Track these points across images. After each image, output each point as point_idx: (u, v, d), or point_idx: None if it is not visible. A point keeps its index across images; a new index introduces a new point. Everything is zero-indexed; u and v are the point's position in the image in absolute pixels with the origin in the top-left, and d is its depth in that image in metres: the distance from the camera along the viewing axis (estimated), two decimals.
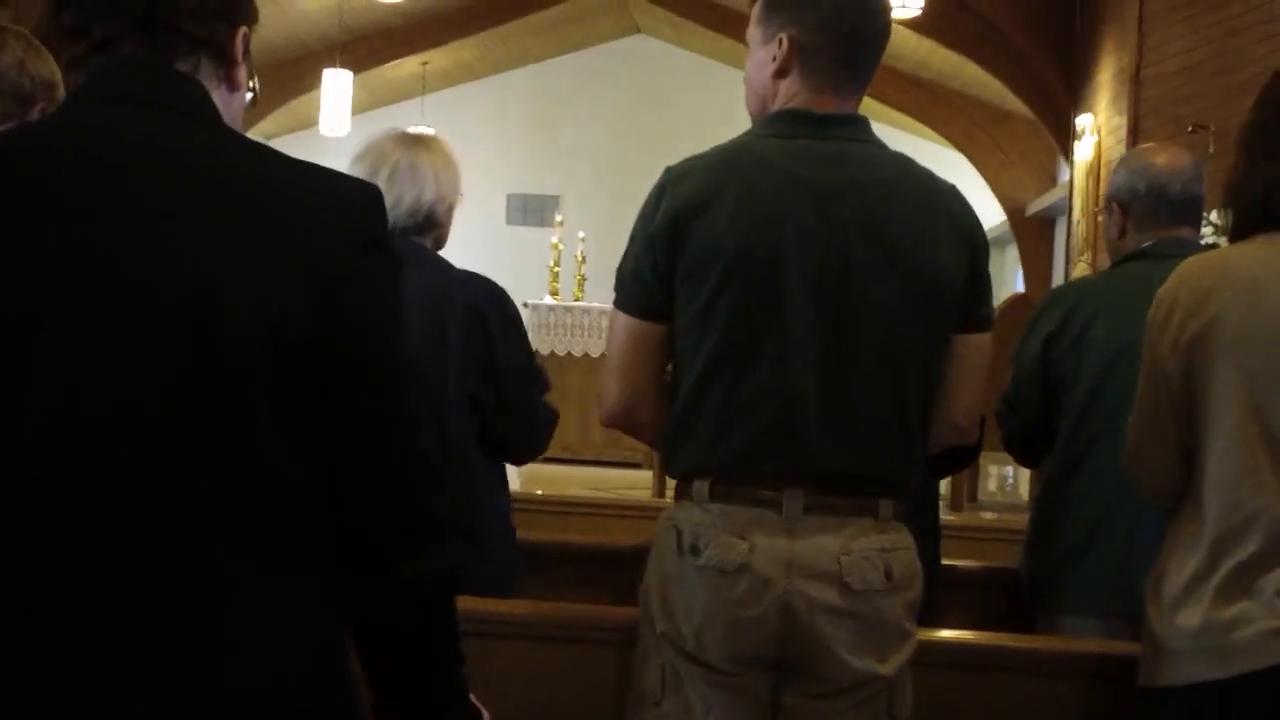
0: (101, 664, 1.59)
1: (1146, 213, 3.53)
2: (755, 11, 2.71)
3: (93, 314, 1.60)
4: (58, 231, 1.62)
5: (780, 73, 2.66)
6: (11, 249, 1.61)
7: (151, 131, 1.69)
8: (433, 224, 3.51)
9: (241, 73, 1.86)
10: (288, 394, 1.64)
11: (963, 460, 3.50)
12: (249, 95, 1.92)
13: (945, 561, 3.68)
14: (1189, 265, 2.64)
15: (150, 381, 1.60)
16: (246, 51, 1.87)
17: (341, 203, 1.71)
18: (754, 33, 2.71)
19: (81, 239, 1.62)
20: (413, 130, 3.67)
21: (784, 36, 2.64)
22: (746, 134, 2.70)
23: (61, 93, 3.05)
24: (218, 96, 1.80)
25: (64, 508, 1.60)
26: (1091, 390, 3.41)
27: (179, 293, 1.60)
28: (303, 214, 1.67)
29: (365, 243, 1.71)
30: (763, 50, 2.68)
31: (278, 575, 1.67)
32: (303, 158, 1.82)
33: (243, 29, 1.84)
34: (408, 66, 18.82)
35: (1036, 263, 16.02)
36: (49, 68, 3.04)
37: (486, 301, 3.48)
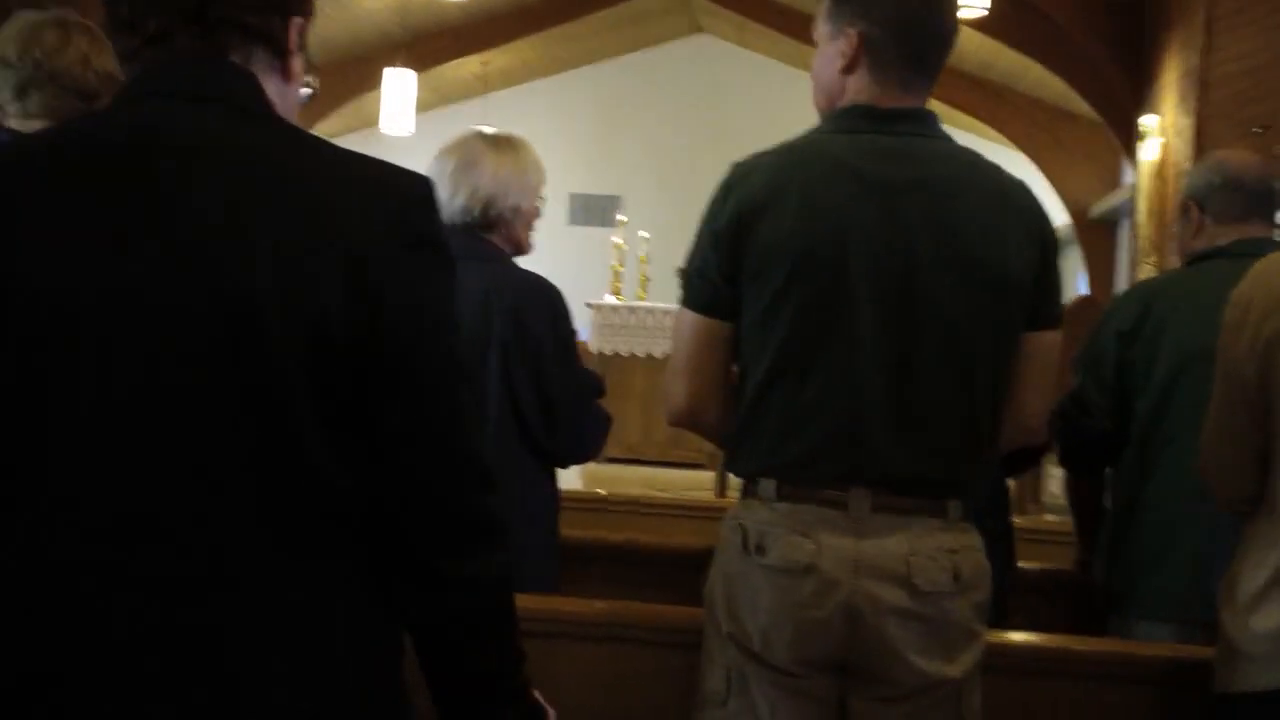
0: (145, 684, 1.58)
1: (1223, 205, 3.52)
2: (823, 7, 2.70)
3: (133, 313, 1.60)
4: (102, 229, 1.62)
5: (848, 68, 2.64)
6: (55, 246, 1.61)
7: (201, 127, 1.68)
8: (494, 222, 3.49)
9: (297, 63, 1.85)
10: (335, 393, 1.63)
11: (1031, 459, 3.48)
12: (306, 90, 1.92)
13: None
14: (1264, 265, 2.61)
15: (191, 383, 1.60)
16: (303, 43, 1.87)
17: (390, 198, 1.70)
18: (821, 28, 2.69)
19: (125, 237, 1.61)
20: (493, 131, 3.66)
21: (852, 31, 2.63)
22: (813, 130, 2.68)
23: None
24: (272, 88, 1.80)
25: (106, 513, 1.59)
26: (1165, 390, 3.39)
27: (221, 292, 1.60)
28: (350, 210, 1.65)
29: (414, 239, 1.69)
30: (830, 46, 2.67)
31: (326, 583, 1.66)
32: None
33: (297, 20, 1.84)
34: (469, 66, 18.88)
35: (1100, 265, 15.93)
36: (112, 64, 3.03)
37: (534, 300, 3.46)
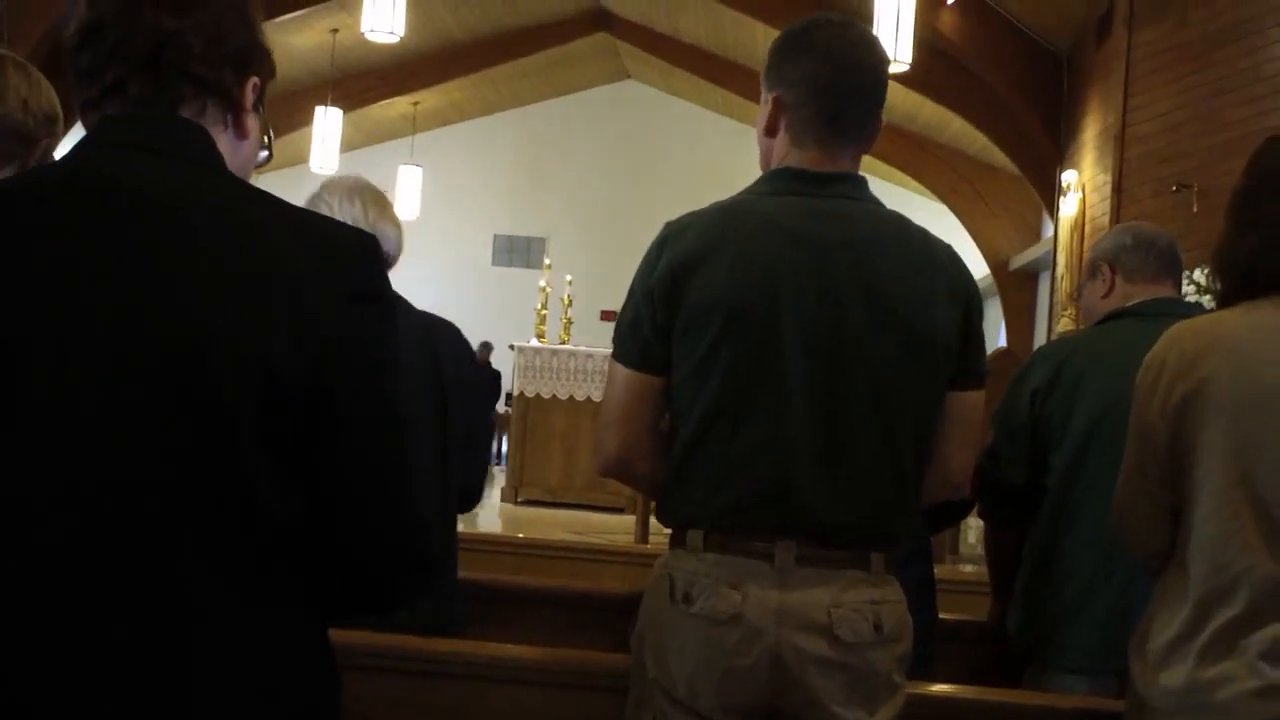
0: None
1: (1135, 265, 3.65)
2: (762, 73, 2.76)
3: (82, 356, 1.62)
4: (53, 275, 1.64)
5: (769, 131, 2.71)
6: (6, 292, 1.64)
7: (153, 177, 1.71)
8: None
9: (250, 121, 1.89)
10: (278, 441, 1.66)
11: (956, 515, 3.54)
12: (264, 152, 1.96)
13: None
14: (1178, 330, 2.68)
15: (133, 430, 1.62)
16: (259, 102, 1.90)
17: (333, 252, 1.73)
18: (761, 95, 2.76)
19: (75, 283, 1.64)
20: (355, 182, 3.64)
21: (771, 97, 2.70)
22: (745, 191, 2.73)
23: (60, 124, 3.01)
24: (224, 143, 1.83)
25: (45, 556, 1.61)
26: (1081, 446, 3.45)
27: (168, 338, 1.63)
28: (295, 264, 1.68)
29: (356, 292, 1.72)
30: (761, 109, 2.74)
31: (271, 617, 1.70)
32: (293, 194, 1.86)
33: (254, 79, 1.88)
34: (398, 106, 18.88)
35: (1019, 317, 16.11)
36: (49, 99, 2.97)
37: (444, 338, 3.52)
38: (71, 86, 1.84)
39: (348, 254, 1.74)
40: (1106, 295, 3.69)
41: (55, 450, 1.62)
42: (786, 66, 2.69)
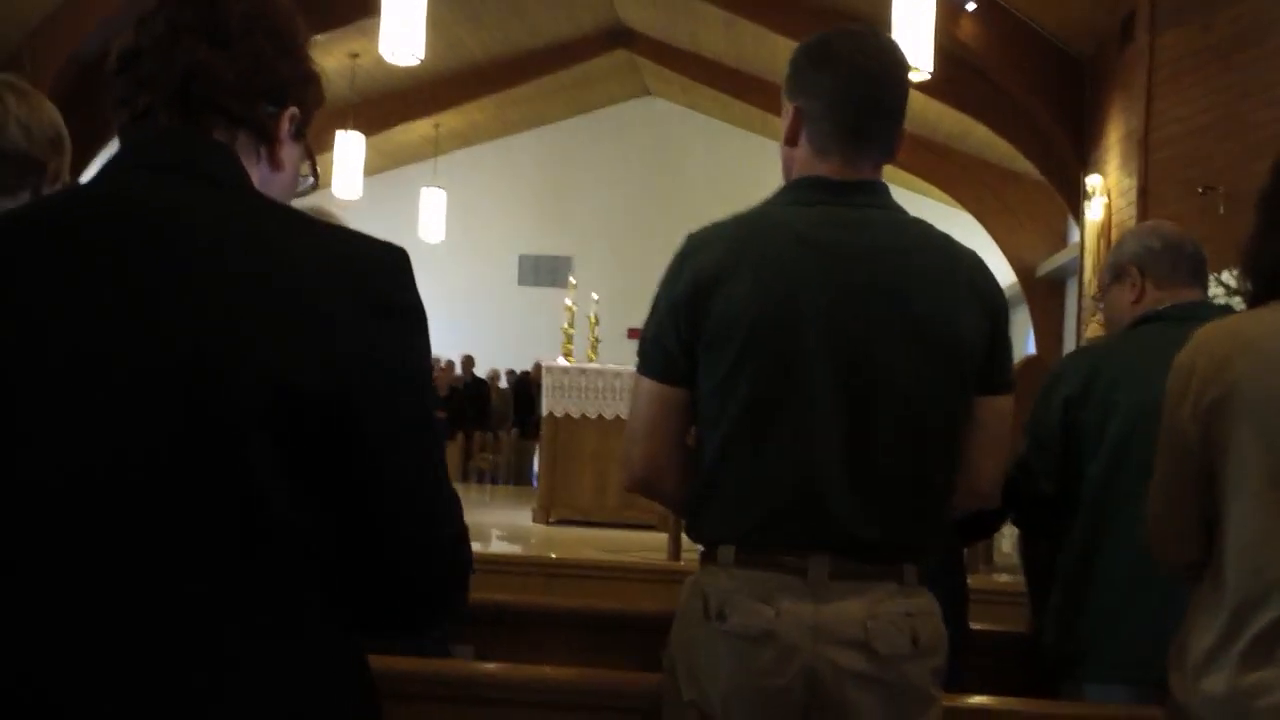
0: None
1: (1165, 270, 3.62)
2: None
3: (101, 377, 1.62)
4: (74, 296, 1.64)
5: (790, 140, 2.71)
6: (26, 313, 1.64)
7: (176, 198, 1.71)
8: None
9: (286, 152, 1.88)
10: (305, 458, 1.64)
11: (990, 526, 3.51)
12: (309, 179, 1.95)
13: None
14: (1206, 332, 2.66)
15: (146, 446, 1.61)
16: (299, 133, 1.90)
17: (356, 267, 1.71)
18: (782, 105, 2.75)
19: (96, 303, 1.64)
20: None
21: (792, 107, 2.69)
22: (767, 202, 2.73)
23: (67, 141, 2.96)
24: (257, 172, 1.83)
25: (61, 580, 1.60)
26: (1117, 454, 3.42)
27: (189, 356, 1.61)
28: (317, 281, 1.67)
29: (381, 307, 1.71)
30: (783, 120, 2.73)
31: (300, 642, 1.68)
32: None
33: (292, 110, 1.87)
34: (419, 129, 18.94)
35: (1047, 323, 16.07)
36: (50, 120, 2.95)
37: None
38: (110, 111, 1.84)
39: (372, 268, 1.73)
40: (1137, 300, 3.66)
41: (70, 477, 1.60)
42: (807, 76, 2.68)
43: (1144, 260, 3.65)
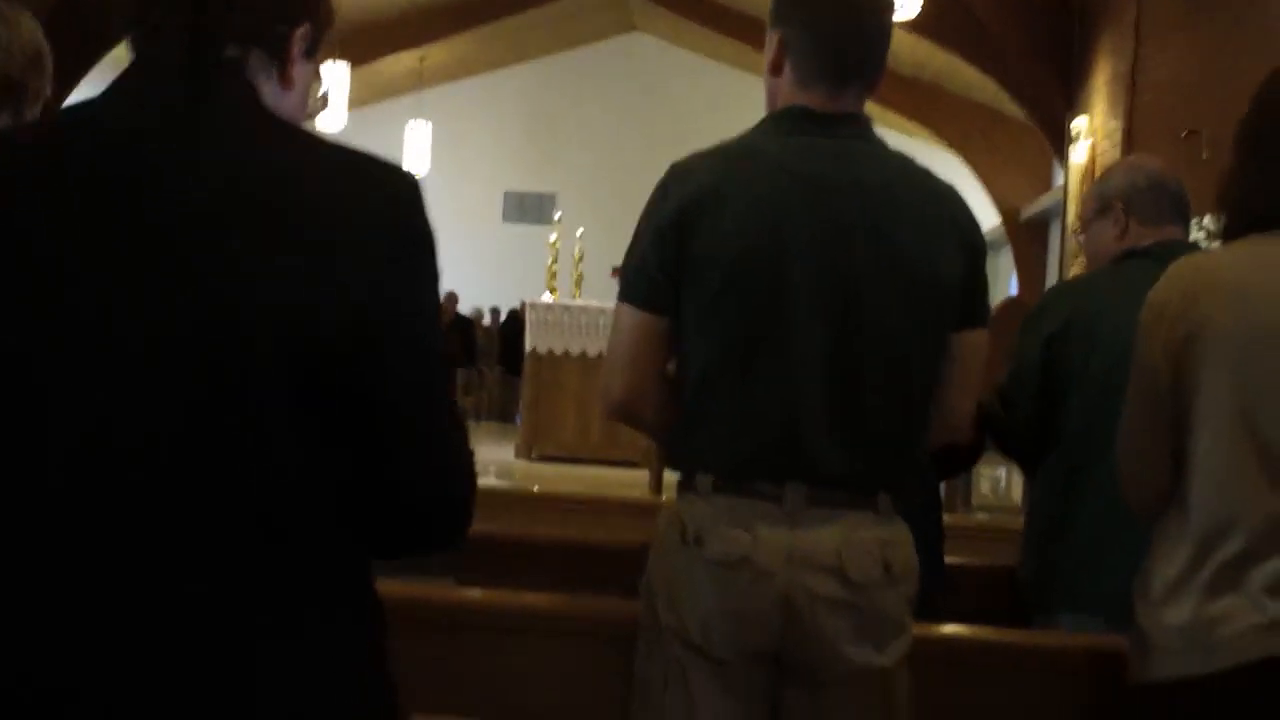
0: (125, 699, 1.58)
1: (1150, 207, 3.63)
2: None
3: (118, 313, 1.59)
4: (84, 226, 1.61)
5: (774, 69, 2.72)
6: (35, 246, 1.60)
7: (185, 122, 1.67)
8: None
9: (298, 71, 1.84)
10: (317, 393, 1.63)
11: (965, 461, 3.54)
12: (316, 101, 1.92)
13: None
14: (1178, 267, 2.67)
15: (173, 388, 1.59)
16: (311, 51, 1.86)
17: (373, 197, 1.69)
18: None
19: (108, 234, 1.61)
20: None
21: (774, 35, 2.71)
22: (750, 131, 2.73)
23: (48, 60, 2.92)
24: (268, 91, 1.79)
25: (88, 533, 1.58)
26: (1098, 389, 3.43)
27: (204, 288, 1.59)
28: (333, 213, 1.65)
29: (400, 234, 1.69)
30: (766, 49, 2.74)
31: (322, 581, 1.68)
32: None
33: (304, 27, 1.83)
34: (405, 61, 18.82)
35: (1030, 266, 16.08)
36: (30, 37, 2.88)
37: None
38: (116, 30, 1.80)
39: (388, 196, 1.71)
40: (1120, 237, 3.67)
41: (91, 428, 1.59)
42: (791, 5, 2.70)
43: (1129, 196, 3.65)
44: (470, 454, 1.84)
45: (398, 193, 1.72)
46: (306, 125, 1.86)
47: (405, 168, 1.75)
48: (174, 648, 1.58)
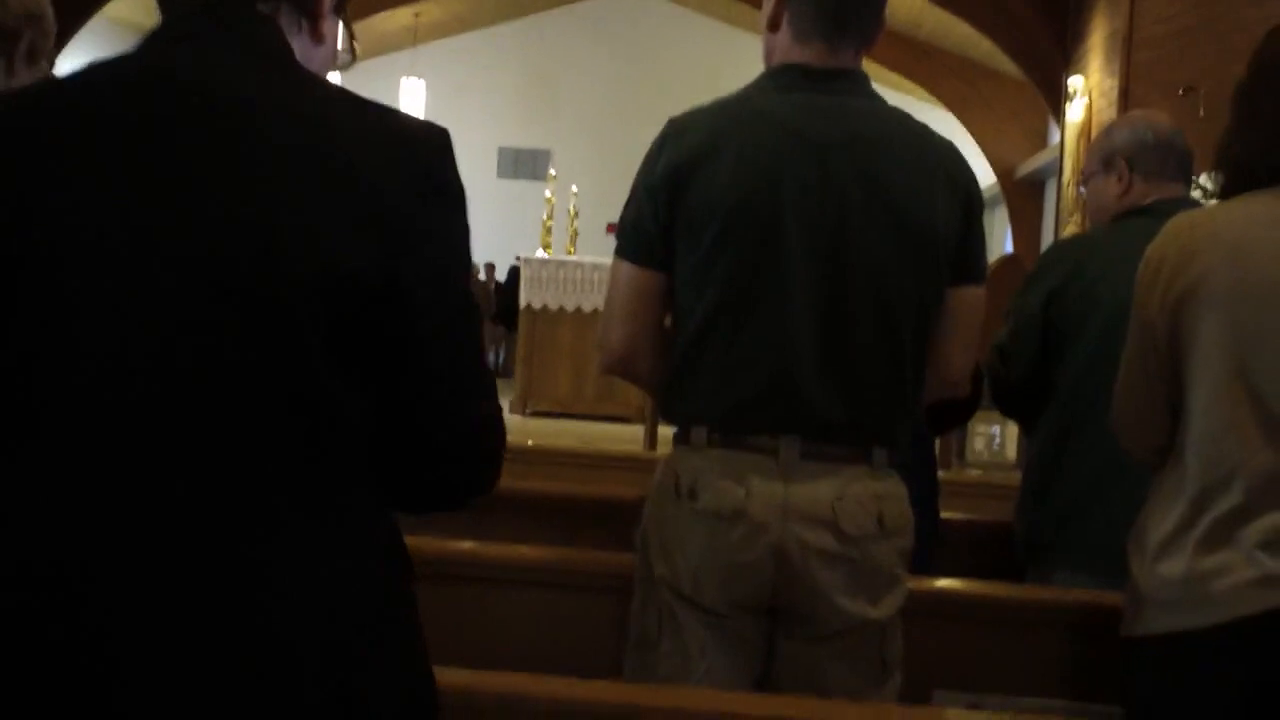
0: (143, 612, 1.57)
1: (1155, 164, 3.62)
2: None
3: (152, 252, 1.59)
4: (120, 170, 1.62)
5: (772, 25, 2.71)
6: (73, 188, 1.61)
7: (217, 71, 1.68)
8: None
9: (327, 26, 1.85)
10: (353, 335, 1.64)
11: (960, 416, 3.55)
12: (344, 55, 1.92)
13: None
14: (1176, 224, 2.68)
15: (203, 325, 1.59)
16: (340, 5, 1.87)
17: (405, 146, 1.70)
18: None
19: (143, 178, 1.61)
20: None
21: None
22: (748, 87, 2.73)
23: (49, 22, 2.94)
24: (298, 45, 1.79)
25: (116, 461, 1.58)
26: (1097, 347, 3.44)
27: (237, 232, 1.60)
28: (367, 157, 1.66)
29: (429, 189, 1.70)
30: (765, 5, 2.74)
31: (351, 511, 1.68)
32: None
33: None
34: (399, 18, 18.75)
35: (1026, 225, 16.08)
36: (41, 2, 2.94)
37: None
38: None
39: (420, 147, 1.72)
40: (1124, 194, 3.66)
41: (134, 342, 1.59)
42: None
43: (1134, 153, 3.64)
44: (499, 408, 1.84)
45: (430, 141, 1.73)
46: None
47: (432, 122, 1.76)
48: (201, 544, 1.58)
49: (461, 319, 1.75)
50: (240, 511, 1.60)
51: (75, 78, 1.75)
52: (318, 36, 1.84)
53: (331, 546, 1.65)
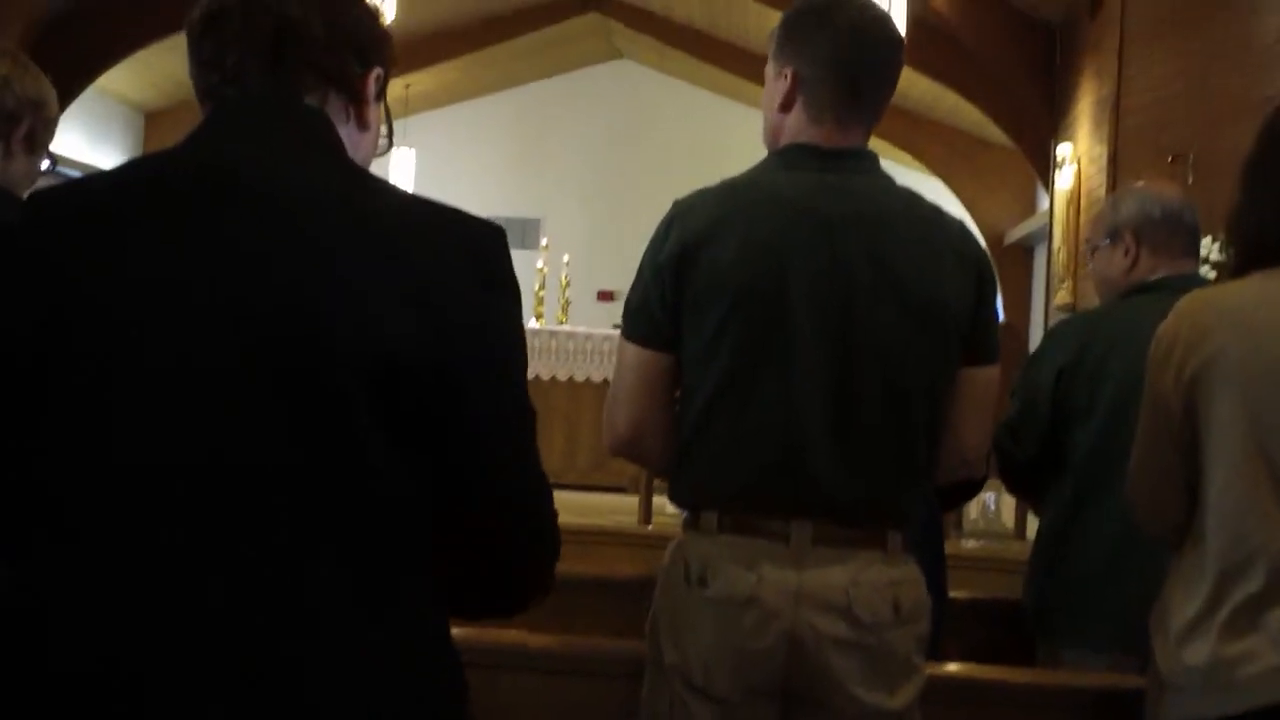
0: (181, 683, 1.56)
1: (1163, 239, 3.60)
2: (769, 48, 2.75)
3: (199, 347, 1.59)
4: (174, 257, 1.62)
5: (785, 107, 2.70)
6: (127, 273, 1.61)
7: (271, 164, 1.69)
8: None
9: (372, 112, 1.87)
10: (408, 431, 1.63)
11: (969, 492, 3.51)
12: (384, 141, 1.93)
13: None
14: (1189, 302, 2.66)
15: (257, 417, 1.59)
16: (381, 93, 1.89)
17: (460, 240, 1.71)
18: (767, 69, 2.74)
19: (198, 264, 1.62)
20: None
21: (788, 71, 2.68)
22: (755, 168, 2.73)
23: (51, 112, 3.06)
24: (345, 133, 1.81)
25: (155, 562, 1.57)
26: (1108, 423, 3.42)
27: (288, 328, 1.60)
28: (423, 252, 1.67)
29: (486, 281, 1.71)
30: (772, 85, 2.73)
31: (401, 604, 1.66)
32: None
33: (377, 70, 1.86)
34: (391, 89, 18.73)
35: (1016, 291, 16.08)
36: (37, 86, 3.02)
37: None
38: (192, 76, 1.81)
39: (475, 242, 1.73)
40: (1131, 268, 3.64)
41: (178, 436, 1.58)
42: (806, 42, 2.67)
43: (1142, 227, 3.62)
44: (555, 512, 1.82)
45: (485, 235, 1.75)
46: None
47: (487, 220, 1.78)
48: (245, 637, 1.57)
49: (517, 416, 1.75)
50: (281, 608, 1.57)
51: (126, 171, 1.76)
52: (363, 123, 1.86)
53: (378, 645, 1.62)
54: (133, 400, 1.59)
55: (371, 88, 1.86)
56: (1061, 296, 12.13)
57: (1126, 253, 3.64)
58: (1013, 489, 3.93)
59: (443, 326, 1.64)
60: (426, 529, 1.68)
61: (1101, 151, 11.61)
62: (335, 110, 1.81)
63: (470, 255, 1.71)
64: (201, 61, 1.79)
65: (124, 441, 1.59)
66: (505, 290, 1.74)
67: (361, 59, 1.84)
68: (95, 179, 1.77)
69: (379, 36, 1.87)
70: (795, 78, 2.67)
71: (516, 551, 1.78)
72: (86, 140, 15.30)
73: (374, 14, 1.87)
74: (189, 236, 1.63)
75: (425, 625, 1.70)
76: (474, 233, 1.74)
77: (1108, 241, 3.69)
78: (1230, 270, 2.71)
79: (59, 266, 1.63)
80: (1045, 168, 13.44)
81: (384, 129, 1.93)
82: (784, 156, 2.68)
